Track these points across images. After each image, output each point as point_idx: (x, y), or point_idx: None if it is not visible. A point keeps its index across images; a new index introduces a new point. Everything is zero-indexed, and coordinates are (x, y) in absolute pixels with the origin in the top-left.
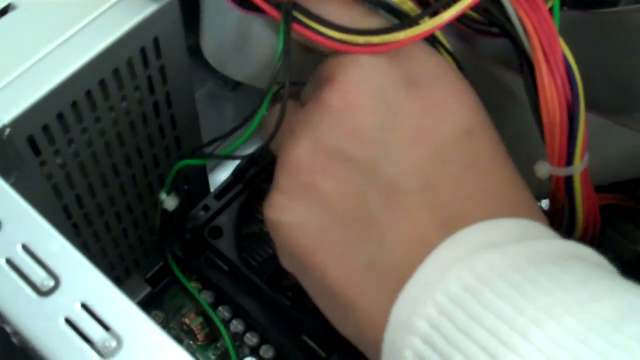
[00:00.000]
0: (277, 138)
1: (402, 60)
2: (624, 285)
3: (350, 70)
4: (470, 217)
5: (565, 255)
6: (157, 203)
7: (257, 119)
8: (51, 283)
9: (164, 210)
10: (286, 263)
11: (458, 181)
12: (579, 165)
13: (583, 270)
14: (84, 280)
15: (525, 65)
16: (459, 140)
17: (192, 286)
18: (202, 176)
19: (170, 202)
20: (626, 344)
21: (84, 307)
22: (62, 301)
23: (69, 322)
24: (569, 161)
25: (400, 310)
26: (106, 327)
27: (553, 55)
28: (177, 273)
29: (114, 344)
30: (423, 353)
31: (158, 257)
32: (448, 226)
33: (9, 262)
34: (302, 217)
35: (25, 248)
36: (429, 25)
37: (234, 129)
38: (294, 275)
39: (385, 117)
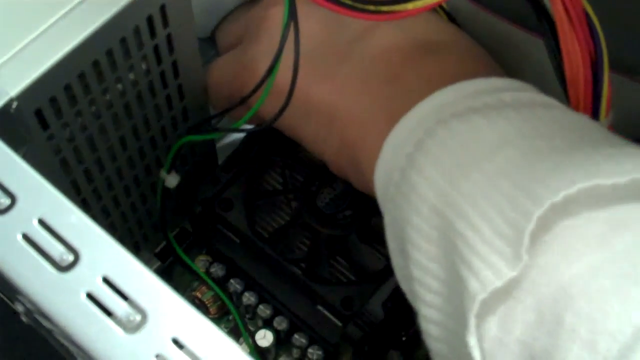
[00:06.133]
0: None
1: None
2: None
3: None
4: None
5: (556, 105)
6: (158, 182)
7: (265, 91)
8: (70, 257)
9: (166, 190)
10: (268, 110)
11: None
12: (604, 121)
13: (563, 114)
14: (104, 254)
15: (545, 21)
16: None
17: (202, 259)
18: (209, 148)
19: (171, 180)
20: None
21: (106, 281)
22: (83, 276)
23: (90, 297)
24: (594, 118)
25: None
26: (129, 301)
27: (574, 8)
28: (180, 253)
29: (138, 317)
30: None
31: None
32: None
33: (25, 237)
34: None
35: (41, 222)
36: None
37: (242, 100)
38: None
39: None
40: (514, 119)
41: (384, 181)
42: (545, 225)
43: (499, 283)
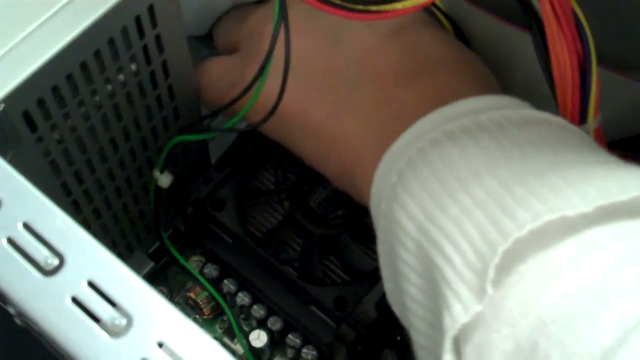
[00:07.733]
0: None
1: None
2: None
3: None
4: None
5: (532, 120)
6: (151, 182)
7: (257, 90)
8: (55, 262)
9: (159, 190)
10: (268, 127)
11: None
12: (592, 122)
13: (537, 132)
14: (89, 258)
15: (533, 22)
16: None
17: (196, 260)
18: (202, 148)
19: (164, 179)
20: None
21: (91, 285)
22: (68, 280)
23: (75, 301)
24: (582, 119)
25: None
26: (115, 305)
27: (562, 8)
28: (175, 253)
29: (123, 322)
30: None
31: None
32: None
33: (10, 241)
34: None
35: (26, 226)
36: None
37: (233, 101)
38: (276, 137)
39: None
40: (487, 146)
41: (375, 210)
42: (519, 255)
43: (466, 318)
